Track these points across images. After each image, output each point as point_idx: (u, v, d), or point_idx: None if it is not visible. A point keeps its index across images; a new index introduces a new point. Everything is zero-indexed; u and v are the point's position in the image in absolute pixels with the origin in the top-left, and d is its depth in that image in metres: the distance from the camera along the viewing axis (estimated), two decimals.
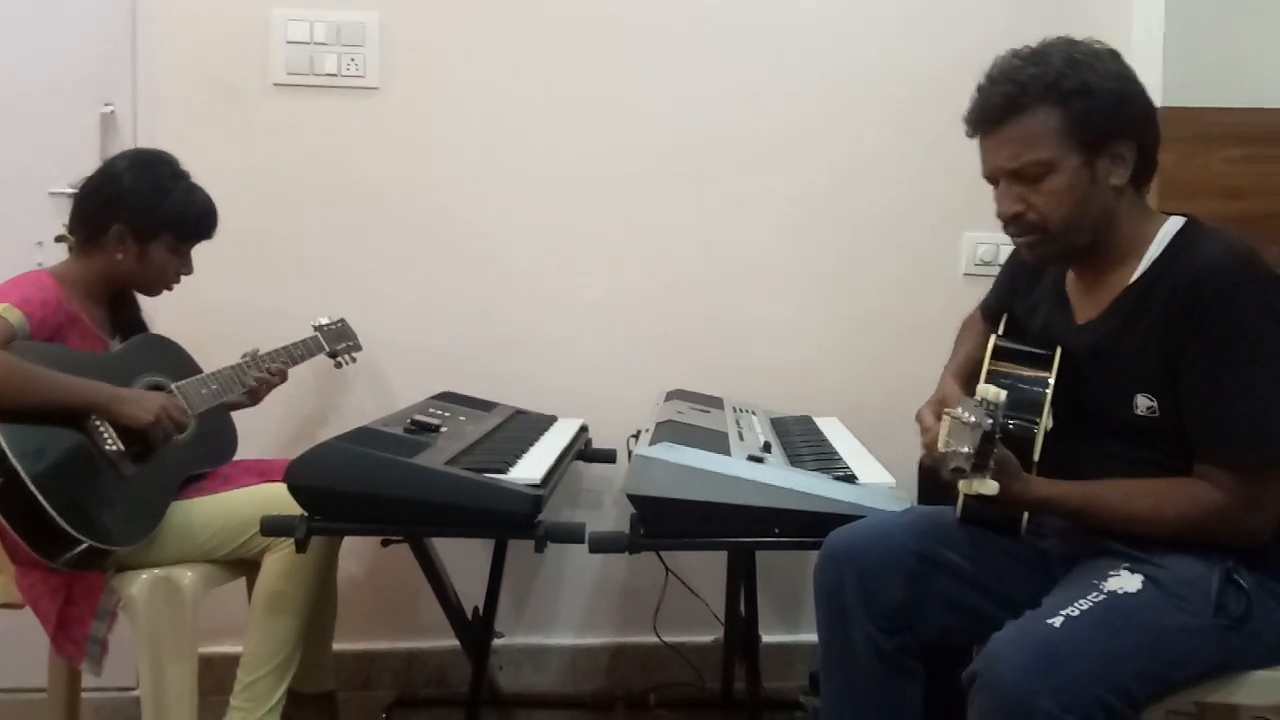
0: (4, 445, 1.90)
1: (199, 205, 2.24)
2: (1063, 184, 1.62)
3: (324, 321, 2.61)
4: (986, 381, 1.70)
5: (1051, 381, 1.68)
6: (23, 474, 1.89)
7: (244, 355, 2.38)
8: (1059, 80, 1.60)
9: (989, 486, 1.45)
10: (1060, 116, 1.60)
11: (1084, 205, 1.63)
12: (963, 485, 1.47)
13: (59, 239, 2.22)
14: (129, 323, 2.29)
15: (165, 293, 2.30)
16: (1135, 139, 1.64)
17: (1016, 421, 1.60)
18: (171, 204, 2.20)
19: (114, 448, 2.03)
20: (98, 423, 2.03)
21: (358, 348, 2.68)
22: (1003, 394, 1.47)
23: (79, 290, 2.17)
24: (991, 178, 1.70)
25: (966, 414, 1.43)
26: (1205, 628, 1.53)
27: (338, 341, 2.62)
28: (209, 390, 2.24)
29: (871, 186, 2.87)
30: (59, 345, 2.07)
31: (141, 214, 2.17)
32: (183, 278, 2.29)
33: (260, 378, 2.35)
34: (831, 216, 2.88)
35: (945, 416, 1.46)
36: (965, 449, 1.42)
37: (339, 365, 2.65)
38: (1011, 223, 1.68)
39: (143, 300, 2.33)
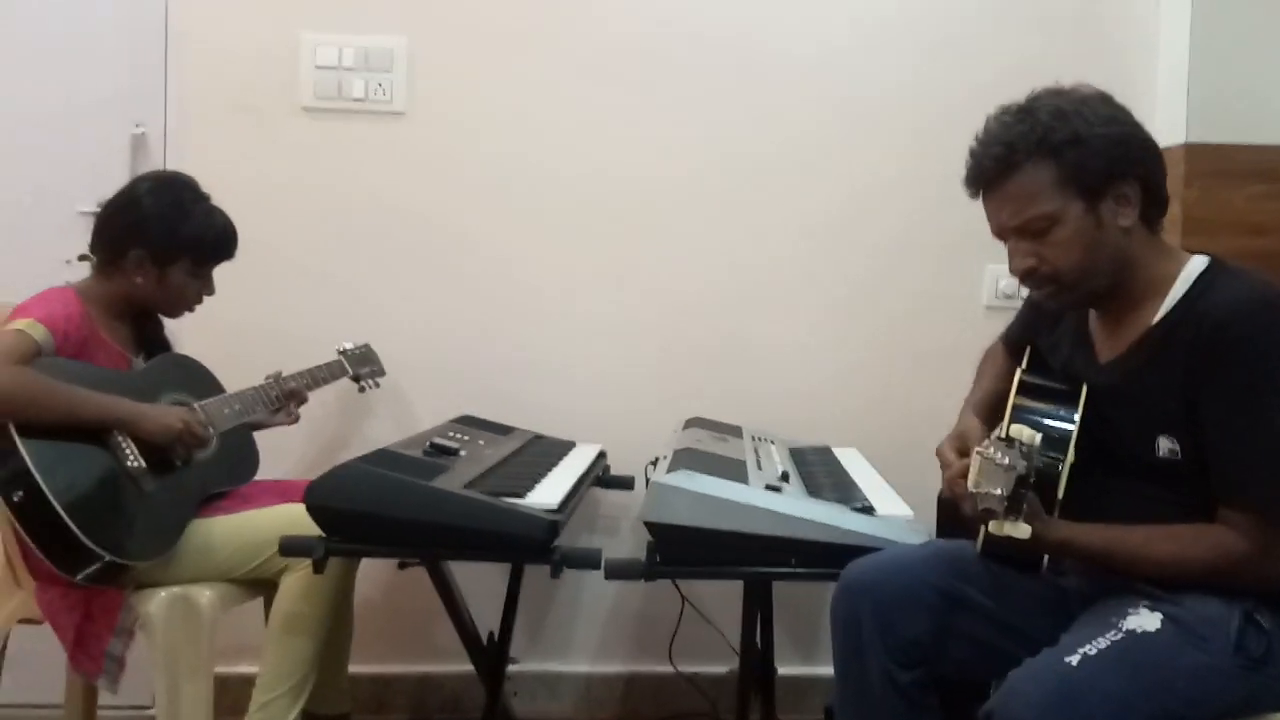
0: (28, 460, 1.92)
1: (217, 228, 2.25)
2: (1069, 233, 1.62)
3: (348, 346, 2.62)
4: (1012, 416, 1.70)
5: (1077, 419, 1.67)
6: (45, 488, 1.91)
7: (268, 376, 2.40)
8: (1047, 134, 1.60)
9: (1021, 530, 1.43)
10: (1054, 168, 1.60)
11: (1095, 251, 1.63)
12: (993, 526, 1.45)
13: (81, 258, 2.24)
14: (153, 341, 2.31)
15: (187, 313, 2.32)
16: (1137, 178, 1.63)
17: (1042, 459, 1.59)
18: (190, 228, 2.21)
19: (136, 464, 2.05)
20: (120, 439, 2.04)
21: (381, 372, 2.69)
22: (1038, 436, 1.46)
23: (101, 308, 2.19)
24: (999, 235, 1.70)
25: (1000, 455, 1.41)
26: (1225, 668, 1.51)
27: (361, 365, 2.63)
28: (232, 410, 2.26)
29: (891, 216, 2.87)
30: (83, 362, 2.09)
31: (160, 239, 2.18)
32: (205, 298, 2.31)
33: (285, 393, 2.37)
34: (853, 245, 2.88)
35: (976, 455, 1.44)
36: (998, 491, 1.40)
37: (362, 389, 2.66)
38: (1026, 278, 1.69)
39: (166, 319, 2.35)
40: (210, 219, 2.25)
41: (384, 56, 2.75)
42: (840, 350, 2.89)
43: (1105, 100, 1.66)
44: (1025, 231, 1.65)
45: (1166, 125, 2.75)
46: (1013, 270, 1.69)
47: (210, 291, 2.31)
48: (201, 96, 2.74)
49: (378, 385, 2.69)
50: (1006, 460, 1.41)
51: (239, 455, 2.33)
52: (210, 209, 2.26)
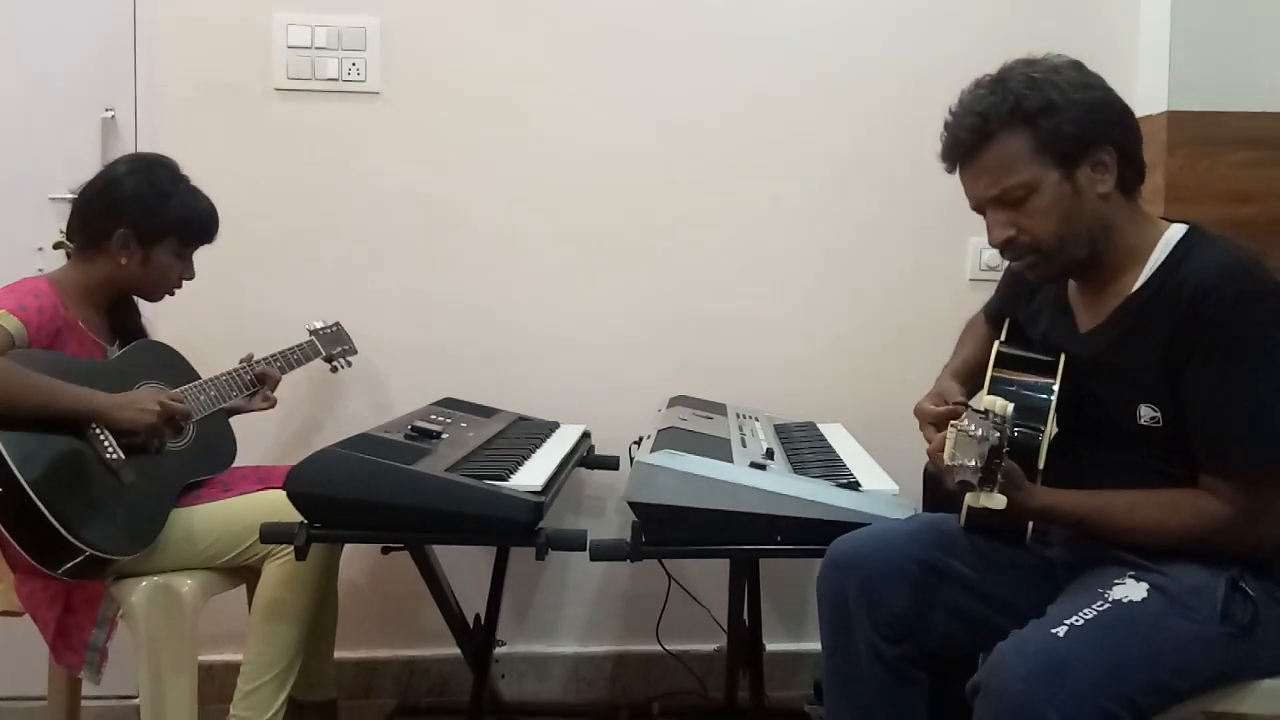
0: (5, 454, 1.89)
1: (202, 209, 2.24)
2: (1046, 202, 1.62)
3: (319, 325, 2.60)
4: (990, 389, 1.70)
5: (1055, 388, 1.67)
6: (24, 483, 1.89)
7: (241, 361, 2.38)
8: (1020, 102, 1.60)
9: (996, 500, 1.44)
10: (1029, 136, 1.61)
11: (1073, 218, 1.63)
12: (969, 498, 1.46)
13: (57, 245, 2.21)
14: (128, 328, 2.29)
15: (166, 297, 2.29)
16: (1114, 144, 1.63)
17: (1021, 429, 1.59)
18: (175, 208, 2.19)
19: (114, 456, 2.02)
20: (98, 430, 2.02)
21: (353, 351, 2.67)
22: (1010, 406, 1.46)
23: (77, 296, 2.16)
24: (978, 208, 1.71)
25: (973, 427, 1.42)
26: (1211, 636, 1.52)
27: (333, 345, 2.61)
28: (207, 396, 2.24)
29: (874, 190, 2.86)
30: (56, 352, 2.07)
31: (146, 218, 2.17)
32: (184, 282, 2.29)
33: (251, 377, 2.35)
34: (836, 220, 2.86)
35: (951, 428, 1.45)
36: (972, 463, 1.41)
37: (335, 370, 2.64)
38: (1005, 248, 1.69)
39: (142, 304, 2.32)
40: (195, 199, 2.24)
41: (357, 36, 2.72)
42: (825, 326, 2.88)
43: (1077, 67, 1.66)
44: (1002, 202, 1.65)
45: (1148, 93, 2.74)
46: (992, 241, 1.69)
47: (190, 275, 2.29)
48: (172, 79, 2.70)
49: (349, 364, 2.67)
50: (980, 432, 1.41)
51: (216, 442, 2.31)
52: (193, 190, 2.25)
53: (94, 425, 2.02)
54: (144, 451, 2.08)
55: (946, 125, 1.69)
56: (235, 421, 2.39)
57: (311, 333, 2.57)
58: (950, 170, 1.72)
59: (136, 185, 2.18)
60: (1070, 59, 1.67)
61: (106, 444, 2.02)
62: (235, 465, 2.35)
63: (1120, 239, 1.66)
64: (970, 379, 1.89)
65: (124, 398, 2.07)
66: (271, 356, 2.43)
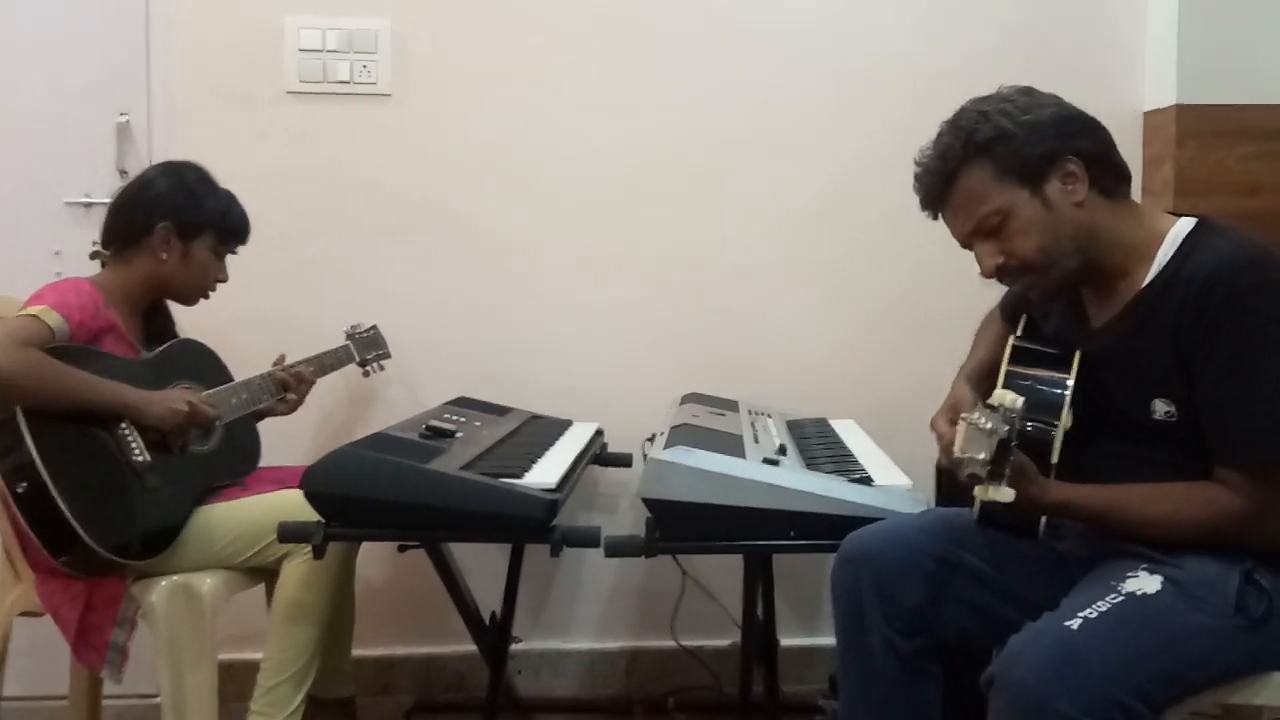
0: (34, 452, 1.92)
1: (237, 208, 2.29)
2: (1023, 222, 1.65)
3: (355, 329, 2.61)
4: (1005, 383, 1.70)
5: (1070, 383, 1.67)
6: (50, 484, 1.91)
7: (274, 363, 2.40)
8: (972, 136, 1.65)
9: (1005, 494, 1.45)
10: (989, 166, 1.65)
11: (1053, 231, 1.65)
12: (979, 492, 1.47)
13: (94, 255, 2.23)
14: (162, 334, 2.31)
15: (201, 300, 2.31)
16: (1075, 153, 1.65)
17: (1035, 424, 1.59)
18: (212, 203, 2.24)
19: (141, 458, 2.04)
20: (126, 431, 2.04)
21: (387, 355, 2.68)
22: (1020, 400, 1.46)
23: (117, 298, 2.18)
24: (965, 245, 1.74)
25: (984, 420, 1.42)
26: (1224, 629, 1.52)
27: (368, 350, 2.62)
28: (239, 400, 2.26)
29: (887, 185, 2.81)
30: (94, 348, 2.09)
31: (185, 212, 2.21)
32: (218, 287, 2.32)
33: (284, 379, 2.37)
34: (848, 216, 2.87)
35: (961, 422, 1.45)
36: (982, 456, 1.42)
37: (367, 374, 2.65)
38: (999, 276, 1.72)
39: (174, 314, 2.34)
40: (230, 200, 2.29)
41: (368, 39, 2.73)
42: (837, 322, 2.88)
43: (1026, 92, 1.70)
44: (983, 232, 1.68)
45: (1157, 87, 2.74)
46: (984, 272, 1.72)
47: (224, 278, 2.31)
48: (185, 83, 2.72)
49: (382, 368, 2.68)
50: (989, 425, 1.42)
51: (241, 448, 2.32)
52: (228, 192, 2.29)
53: (123, 425, 2.04)
54: (169, 450, 2.11)
55: (916, 177, 1.74)
56: (268, 424, 2.41)
57: (349, 336, 2.59)
58: (933, 217, 1.76)
59: (171, 184, 2.22)
60: (1021, 86, 1.71)
61: (134, 446, 2.05)
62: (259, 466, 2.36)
63: (1114, 239, 1.66)
64: (985, 381, 1.88)
65: (156, 394, 2.10)
66: (306, 360, 2.45)
